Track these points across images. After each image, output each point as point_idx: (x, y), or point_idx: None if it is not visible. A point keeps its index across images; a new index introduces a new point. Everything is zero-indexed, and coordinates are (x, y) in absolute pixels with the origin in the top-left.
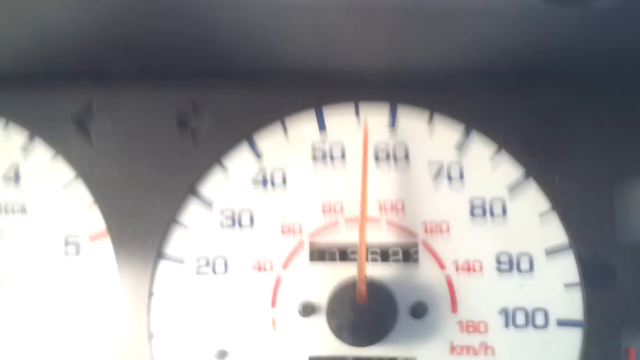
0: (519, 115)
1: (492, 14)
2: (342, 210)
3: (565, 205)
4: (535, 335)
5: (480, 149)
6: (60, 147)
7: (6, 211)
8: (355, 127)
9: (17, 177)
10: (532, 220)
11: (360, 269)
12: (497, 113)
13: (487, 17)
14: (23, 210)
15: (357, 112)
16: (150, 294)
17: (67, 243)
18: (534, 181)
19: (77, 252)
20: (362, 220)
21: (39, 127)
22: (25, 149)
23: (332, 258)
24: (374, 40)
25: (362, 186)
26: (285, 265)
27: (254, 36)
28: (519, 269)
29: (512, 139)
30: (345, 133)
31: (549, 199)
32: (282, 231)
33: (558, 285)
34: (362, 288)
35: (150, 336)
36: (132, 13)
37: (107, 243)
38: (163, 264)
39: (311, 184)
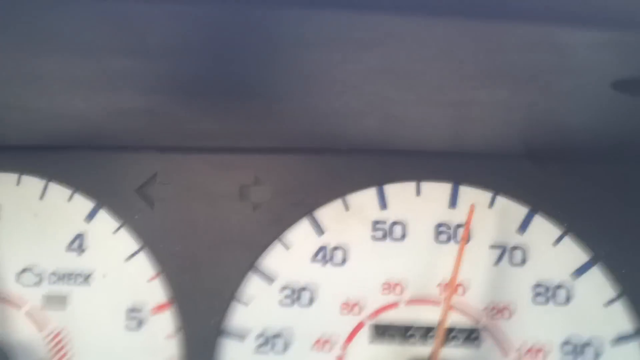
0: (586, 200)
1: (563, 97)
2: (404, 290)
3: (635, 292)
4: None
5: (545, 231)
6: (125, 218)
7: (70, 281)
8: (416, 205)
9: (81, 248)
10: (598, 308)
11: (435, 355)
12: (563, 197)
13: (557, 99)
14: (87, 280)
15: (418, 191)
16: None
17: (129, 316)
18: (600, 267)
19: (140, 325)
20: (448, 302)
21: (104, 198)
22: (90, 220)
23: (394, 340)
24: (437, 121)
25: (455, 268)
26: (345, 346)
27: (318, 114)
28: (585, 358)
29: (579, 221)
30: (407, 212)
31: (617, 284)
32: (343, 310)
33: None
34: None
35: None
36: (199, 97)
37: (168, 317)
38: (224, 340)
39: (372, 262)
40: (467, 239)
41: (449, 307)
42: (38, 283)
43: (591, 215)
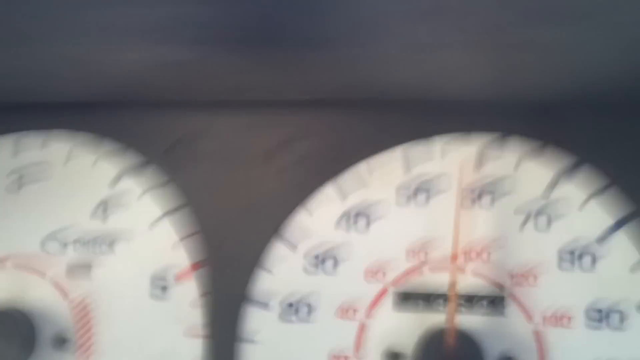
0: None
1: (618, 35)
2: (428, 255)
3: None
4: None
5: (570, 196)
6: (151, 182)
7: (95, 247)
8: (441, 169)
9: (106, 213)
10: (625, 272)
11: (450, 319)
12: (606, 144)
13: (611, 38)
14: (111, 247)
15: (443, 154)
16: (237, 338)
17: (154, 283)
18: (627, 231)
19: (164, 292)
20: (453, 268)
21: (130, 162)
22: (114, 185)
23: (417, 306)
24: (481, 69)
25: (455, 231)
26: (369, 313)
27: (355, 64)
28: (610, 323)
29: (624, 174)
30: (431, 176)
31: None
32: (366, 277)
33: None
34: (451, 339)
35: None
36: (241, 47)
37: (192, 284)
38: (249, 308)
39: (396, 227)
40: (460, 201)
41: (456, 273)
42: (62, 250)
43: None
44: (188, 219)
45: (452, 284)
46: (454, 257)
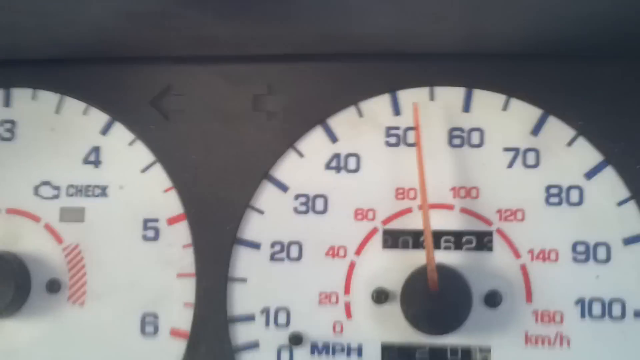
0: (599, 100)
1: None
2: (416, 196)
3: None
4: (612, 327)
5: (558, 134)
6: (139, 131)
7: (87, 194)
8: (430, 111)
9: (97, 161)
10: (610, 209)
11: (429, 256)
12: (576, 98)
13: None
14: (103, 193)
15: (432, 96)
16: (227, 279)
17: (146, 227)
18: (613, 168)
19: (156, 235)
20: (424, 205)
21: (118, 111)
22: (105, 133)
23: (405, 245)
24: (451, 15)
25: (419, 170)
26: (358, 252)
27: (331, 12)
28: (595, 259)
29: (591, 124)
30: (420, 117)
31: (628, 187)
32: (356, 217)
33: (636, 276)
34: (433, 275)
35: (229, 320)
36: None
37: (184, 227)
38: (239, 249)
39: (385, 169)
40: (419, 141)
41: (427, 212)
42: (56, 196)
43: (604, 116)
44: (174, 168)
45: (426, 223)
46: (423, 195)
